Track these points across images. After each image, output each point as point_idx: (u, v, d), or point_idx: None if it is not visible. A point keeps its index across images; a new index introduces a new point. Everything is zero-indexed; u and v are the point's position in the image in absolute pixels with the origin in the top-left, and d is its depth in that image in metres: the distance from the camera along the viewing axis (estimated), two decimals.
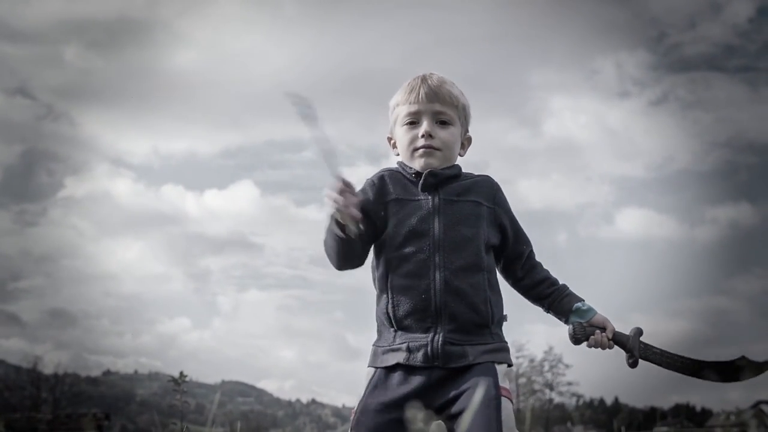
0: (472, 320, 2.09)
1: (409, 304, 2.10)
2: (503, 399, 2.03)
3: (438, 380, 2.06)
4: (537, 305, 2.28)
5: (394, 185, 2.21)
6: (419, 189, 2.19)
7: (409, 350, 2.08)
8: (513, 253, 2.26)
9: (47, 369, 44.71)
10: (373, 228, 2.18)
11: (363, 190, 2.22)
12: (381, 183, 2.23)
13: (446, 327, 2.07)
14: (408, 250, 2.13)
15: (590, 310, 2.23)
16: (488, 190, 2.24)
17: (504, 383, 2.07)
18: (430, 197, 2.17)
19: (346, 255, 2.15)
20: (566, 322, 2.23)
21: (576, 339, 2.19)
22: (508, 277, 2.29)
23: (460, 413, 1.99)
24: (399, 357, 2.09)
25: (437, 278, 2.09)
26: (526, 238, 2.29)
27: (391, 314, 2.12)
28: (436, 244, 2.12)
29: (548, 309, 2.26)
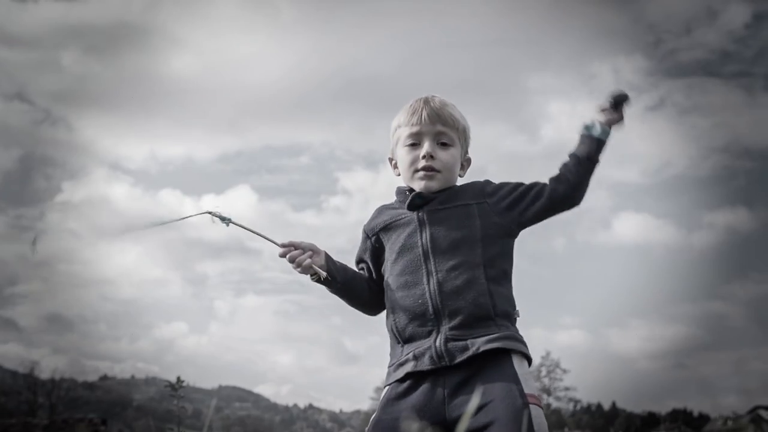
0: (472, 314, 2.07)
1: (408, 313, 2.12)
2: (532, 407, 1.98)
3: (454, 388, 2.04)
4: (584, 167, 2.24)
5: (383, 215, 2.30)
6: (405, 207, 2.24)
7: (415, 357, 2.08)
8: (540, 195, 2.22)
9: (44, 374, 44.76)
10: (380, 266, 2.29)
11: (361, 246, 2.35)
12: (370, 222, 2.32)
13: (447, 326, 2.08)
14: (401, 265, 2.18)
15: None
16: (474, 190, 2.25)
17: (530, 389, 2.02)
18: (416, 214, 2.21)
19: (355, 301, 2.30)
20: (591, 132, 2.26)
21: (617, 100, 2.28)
22: (556, 200, 2.23)
23: (484, 427, 1.95)
24: (407, 367, 2.09)
25: (431, 282, 2.11)
26: (526, 184, 2.26)
27: (395, 330, 2.16)
28: (425, 254, 2.15)
29: (585, 155, 2.24)
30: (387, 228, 2.26)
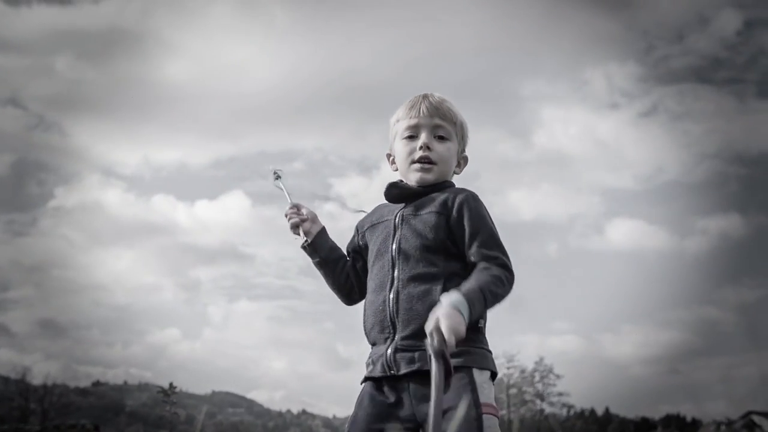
0: (423, 326, 1.99)
1: (372, 318, 2.18)
2: (486, 417, 1.97)
3: (418, 390, 2.05)
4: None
5: (373, 214, 2.34)
6: (385, 199, 2.29)
7: (372, 363, 2.15)
8: (469, 260, 2.13)
9: (36, 380, 44.64)
10: (361, 262, 2.34)
11: (352, 238, 2.40)
12: (363, 219, 2.37)
13: (400, 335, 2.09)
14: (375, 270, 2.22)
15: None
16: (449, 203, 2.18)
17: (486, 398, 2.00)
18: (392, 217, 2.24)
19: (332, 282, 2.36)
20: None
21: None
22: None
23: None
24: (366, 371, 2.17)
25: (392, 290, 2.14)
26: (475, 248, 2.11)
27: (365, 332, 2.22)
28: (392, 261, 2.17)
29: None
30: (372, 227, 2.29)
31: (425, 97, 2.30)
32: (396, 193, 2.27)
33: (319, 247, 2.34)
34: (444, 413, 1.91)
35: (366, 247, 2.30)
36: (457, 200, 2.17)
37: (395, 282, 2.14)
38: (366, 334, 2.21)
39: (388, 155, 2.38)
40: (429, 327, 1.84)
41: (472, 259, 2.11)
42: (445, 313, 1.85)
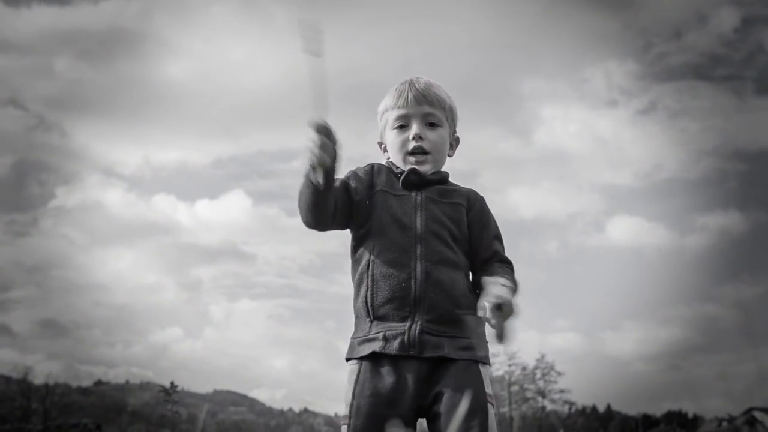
0: (450, 312, 2.08)
1: (388, 291, 2.09)
2: (489, 405, 2.05)
3: (426, 377, 2.05)
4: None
5: (381, 178, 2.23)
6: (401, 185, 2.21)
7: (385, 339, 2.07)
8: (481, 256, 2.22)
9: (38, 379, 44.60)
10: (356, 207, 2.17)
11: (356, 174, 2.23)
12: (372, 172, 2.25)
13: (424, 317, 2.07)
14: (390, 240, 2.13)
15: (496, 281, 2.06)
16: (472, 197, 2.27)
17: (488, 388, 2.08)
18: (413, 194, 2.20)
19: (315, 206, 2.06)
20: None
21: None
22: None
23: (448, 415, 1.99)
24: (375, 346, 2.07)
25: (418, 268, 2.10)
26: (495, 247, 2.24)
27: (369, 303, 2.11)
28: (418, 237, 2.13)
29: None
30: (384, 193, 2.20)
31: (411, 84, 2.28)
32: (414, 179, 2.22)
33: (331, 182, 2.04)
34: (448, 394, 2.02)
35: (368, 206, 2.17)
36: (478, 198, 2.28)
37: (422, 260, 2.11)
38: (372, 306, 2.10)
39: (380, 143, 2.37)
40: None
41: (486, 254, 2.22)
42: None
